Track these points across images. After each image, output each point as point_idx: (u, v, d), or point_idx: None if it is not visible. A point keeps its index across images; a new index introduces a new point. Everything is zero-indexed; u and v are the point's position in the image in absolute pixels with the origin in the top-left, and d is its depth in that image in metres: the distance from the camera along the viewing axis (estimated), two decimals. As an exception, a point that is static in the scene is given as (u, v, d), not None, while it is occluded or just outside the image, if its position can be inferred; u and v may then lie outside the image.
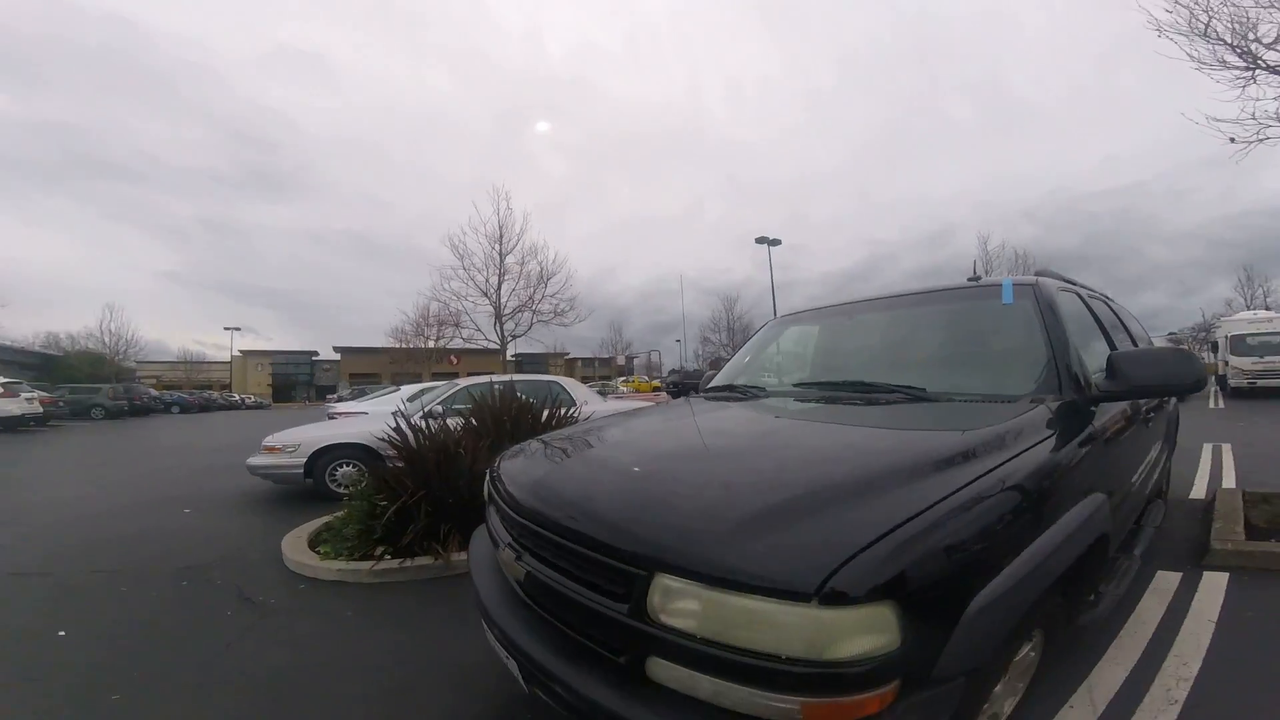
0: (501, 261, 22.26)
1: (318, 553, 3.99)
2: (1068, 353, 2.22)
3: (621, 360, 63.01)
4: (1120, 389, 2.06)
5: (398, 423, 4.35)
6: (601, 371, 66.65)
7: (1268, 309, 26.19)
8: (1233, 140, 8.85)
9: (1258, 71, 7.74)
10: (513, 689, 1.84)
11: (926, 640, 1.14)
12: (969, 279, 2.95)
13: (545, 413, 5.22)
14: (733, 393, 2.90)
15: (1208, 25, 6.84)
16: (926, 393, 2.21)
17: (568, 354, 50.82)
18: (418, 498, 3.81)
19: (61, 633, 2.98)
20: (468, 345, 24.35)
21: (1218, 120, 7.75)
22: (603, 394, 9.63)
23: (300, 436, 6.45)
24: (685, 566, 1.21)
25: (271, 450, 6.31)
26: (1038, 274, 2.79)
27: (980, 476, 1.40)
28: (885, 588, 1.09)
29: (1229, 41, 7.73)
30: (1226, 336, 17.61)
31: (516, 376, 7.17)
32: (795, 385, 2.86)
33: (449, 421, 4.63)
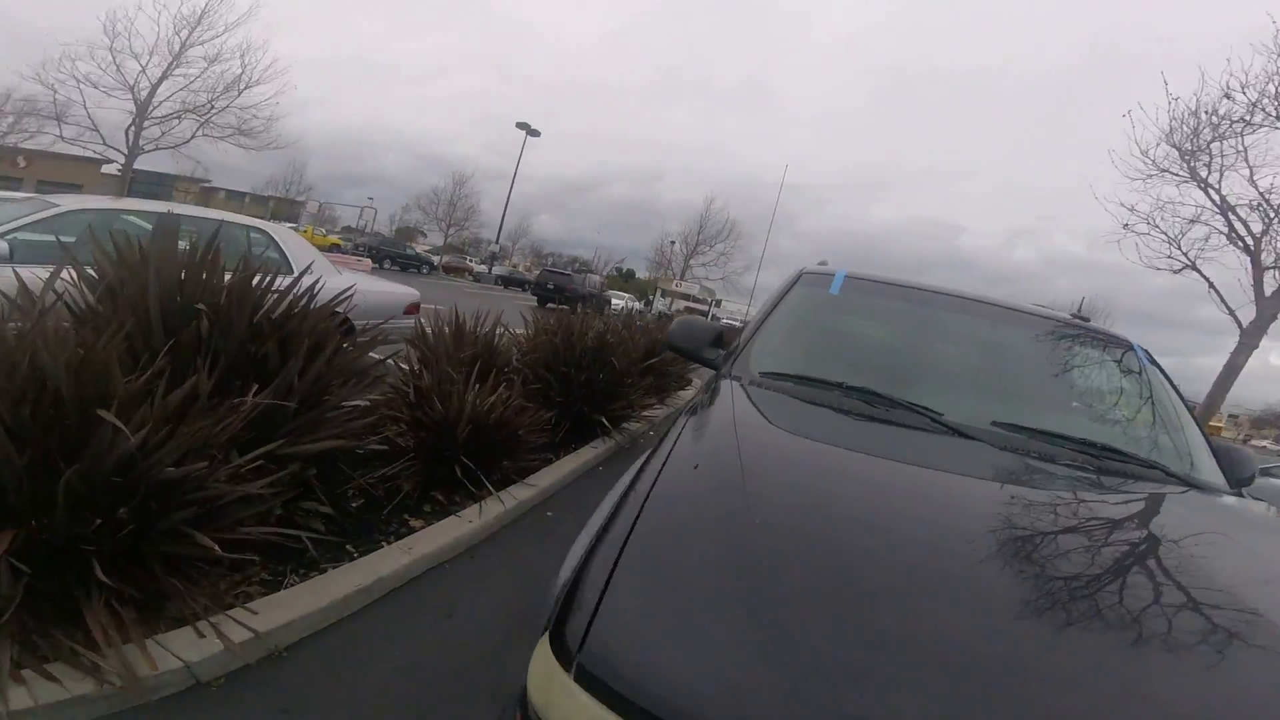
0: (181, 51, 16.23)
1: None
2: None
3: (314, 207, 50.16)
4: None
5: None
6: (254, 210, 51.19)
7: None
8: (1125, 226, 13.20)
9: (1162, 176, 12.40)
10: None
11: None
12: (1074, 315, 2.62)
13: (266, 294, 2.65)
14: (869, 403, 1.71)
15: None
16: (1170, 472, 1.70)
17: (208, 182, 37.57)
18: None
19: None
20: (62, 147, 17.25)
21: (1127, 207, 13.09)
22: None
23: None
24: None
25: None
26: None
27: None
28: None
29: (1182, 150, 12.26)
30: None
31: (183, 208, 3.95)
32: (999, 425, 1.71)
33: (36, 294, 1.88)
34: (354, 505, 2.83)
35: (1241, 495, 1.73)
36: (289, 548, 2.20)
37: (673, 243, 42.77)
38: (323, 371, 2.50)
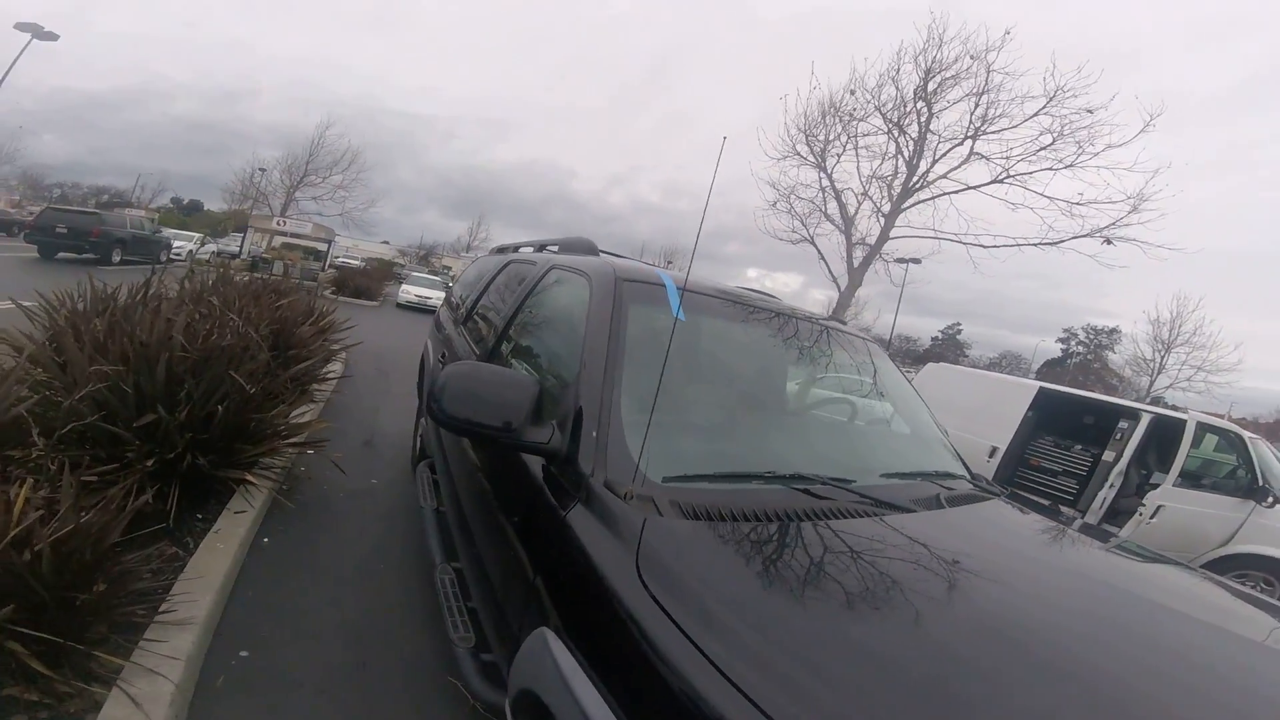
0: None
1: None
2: None
3: None
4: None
5: None
6: None
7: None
8: (774, 204, 14.26)
9: (792, 159, 14.86)
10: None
11: None
12: (830, 316, 2.65)
13: None
14: (799, 490, 1.42)
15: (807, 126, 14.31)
16: (967, 478, 1.99)
17: None
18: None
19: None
20: None
21: (769, 183, 15.02)
22: None
23: None
24: None
25: None
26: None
27: None
28: None
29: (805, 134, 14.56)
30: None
31: None
32: (888, 476, 1.75)
33: None
34: None
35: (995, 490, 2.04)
36: None
37: (262, 170, 33.88)
38: None
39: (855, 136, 14.42)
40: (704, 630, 0.90)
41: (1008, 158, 13.22)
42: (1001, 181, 13.48)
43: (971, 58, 12.98)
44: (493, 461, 1.78)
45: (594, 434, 1.35)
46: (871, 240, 14.87)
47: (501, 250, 4.17)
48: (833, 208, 15.18)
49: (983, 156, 13.54)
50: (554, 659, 1.06)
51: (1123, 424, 6.14)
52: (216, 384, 3.00)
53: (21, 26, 22.51)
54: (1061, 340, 58.65)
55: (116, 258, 16.28)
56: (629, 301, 1.72)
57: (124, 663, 1.77)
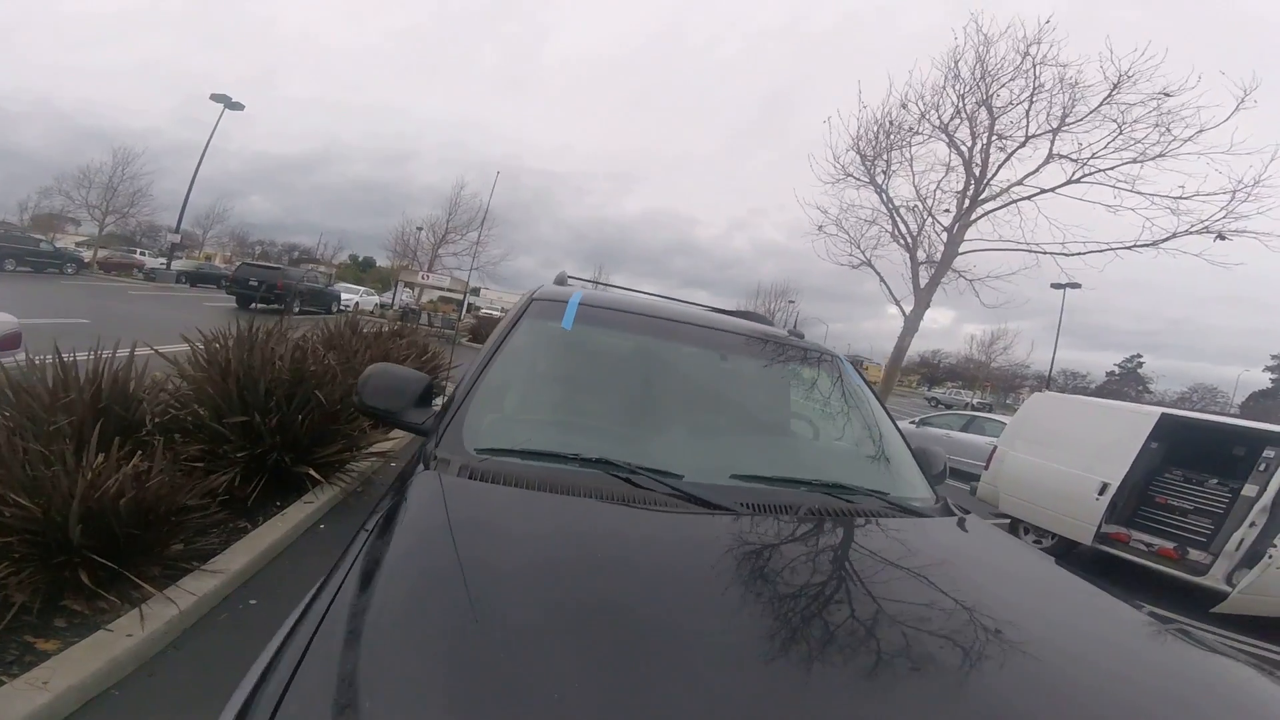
0: None
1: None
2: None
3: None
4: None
5: None
6: None
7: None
8: (820, 227, 13.74)
9: (845, 181, 14.12)
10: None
11: None
12: (790, 331, 2.55)
13: None
14: (607, 473, 1.45)
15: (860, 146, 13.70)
16: (889, 499, 1.72)
17: None
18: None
19: None
20: None
21: (816, 206, 14.71)
22: None
23: None
24: None
25: None
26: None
27: None
28: None
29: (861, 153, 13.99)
30: None
31: None
32: (738, 478, 1.63)
33: None
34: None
35: (952, 512, 1.81)
36: None
37: (419, 229, 37.89)
38: None
39: (908, 147, 13.27)
40: (397, 570, 1.03)
41: (1083, 155, 11.57)
42: (1077, 181, 11.76)
43: (1019, 55, 11.72)
44: None
45: (445, 416, 1.59)
46: (938, 258, 13.31)
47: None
48: (888, 226, 13.88)
49: (1063, 157, 11.89)
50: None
51: (1269, 452, 5.20)
52: (303, 400, 3.69)
53: (215, 97, 27.81)
54: (1271, 369, 49.05)
55: (296, 308, 19.31)
56: (528, 316, 1.99)
57: (155, 591, 2.34)
